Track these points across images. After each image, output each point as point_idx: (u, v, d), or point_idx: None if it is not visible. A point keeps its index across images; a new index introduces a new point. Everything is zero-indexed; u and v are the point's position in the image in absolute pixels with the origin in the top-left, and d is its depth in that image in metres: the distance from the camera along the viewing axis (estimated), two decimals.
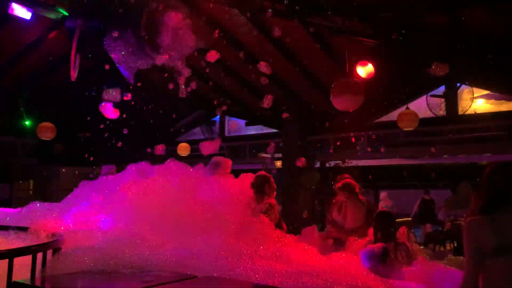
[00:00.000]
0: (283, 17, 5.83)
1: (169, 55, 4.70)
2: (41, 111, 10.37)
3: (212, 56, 5.36)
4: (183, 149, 10.66)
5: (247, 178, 4.45)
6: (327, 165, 10.71)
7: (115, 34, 4.33)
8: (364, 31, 6.01)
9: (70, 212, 3.73)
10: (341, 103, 4.72)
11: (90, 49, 4.90)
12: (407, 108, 6.96)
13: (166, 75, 5.53)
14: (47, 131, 8.34)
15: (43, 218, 3.59)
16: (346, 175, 5.12)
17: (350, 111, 5.01)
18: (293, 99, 9.08)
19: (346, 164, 10.36)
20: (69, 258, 2.71)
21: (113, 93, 5.81)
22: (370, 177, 11.01)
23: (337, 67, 7.27)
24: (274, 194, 4.82)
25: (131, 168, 4.44)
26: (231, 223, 3.26)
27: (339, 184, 5.09)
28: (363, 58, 6.40)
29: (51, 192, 12.02)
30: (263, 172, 4.90)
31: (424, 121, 8.82)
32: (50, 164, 12.10)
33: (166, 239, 3.12)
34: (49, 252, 2.60)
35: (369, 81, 7.57)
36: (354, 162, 10.42)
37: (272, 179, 4.68)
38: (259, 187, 4.65)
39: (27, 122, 10.63)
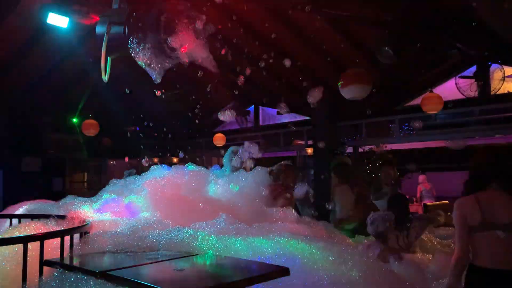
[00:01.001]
0: (298, 8, 6.00)
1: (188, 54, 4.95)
2: (87, 108, 11.17)
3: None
4: (219, 139, 11.10)
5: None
6: (360, 150, 10.78)
7: (137, 37, 4.69)
8: (381, 17, 6.08)
9: (101, 204, 4.23)
10: (350, 92, 4.88)
11: (117, 53, 5.23)
12: (431, 91, 6.95)
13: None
14: (90, 128, 9.02)
15: (78, 208, 4.11)
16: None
17: (359, 99, 5.16)
18: (321, 86, 9.21)
19: (380, 149, 10.39)
20: (96, 241, 3.15)
21: None
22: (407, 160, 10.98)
23: (361, 53, 7.39)
24: (292, 182, 5.07)
25: (153, 168, 4.84)
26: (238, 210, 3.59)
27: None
28: (384, 43, 6.49)
29: (102, 183, 12.90)
30: (285, 162, 5.16)
31: (455, 103, 8.75)
32: (98, 158, 12.96)
33: (182, 224, 3.52)
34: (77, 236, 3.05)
35: (396, 65, 7.63)
36: (388, 147, 10.44)
37: (290, 168, 4.90)
38: (276, 175, 4.95)
39: (75, 120, 11.46)
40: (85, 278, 2.34)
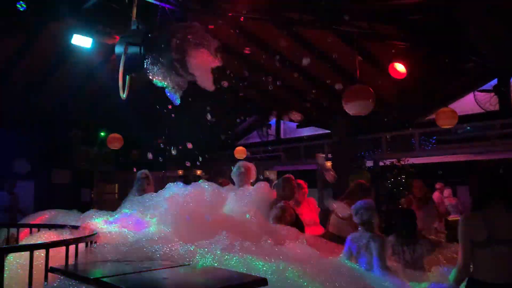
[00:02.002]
0: (311, 27, 6.17)
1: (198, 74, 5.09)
2: (113, 122, 11.62)
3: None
4: (240, 152, 11.27)
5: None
6: (381, 163, 10.73)
7: (152, 57, 4.93)
8: (393, 33, 6.17)
9: (117, 218, 4.46)
10: (353, 108, 4.97)
11: (135, 72, 5.45)
12: (445, 105, 6.94)
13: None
14: (115, 141, 9.40)
15: (92, 221, 4.36)
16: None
17: (362, 115, 5.24)
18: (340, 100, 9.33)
19: (401, 163, 10.32)
20: (102, 250, 3.36)
21: None
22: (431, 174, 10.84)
23: (374, 67, 7.46)
24: (295, 195, 5.13)
25: (170, 186, 5.00)
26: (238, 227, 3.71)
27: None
28: (397, 59, 6.56)
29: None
30: (288, 175, 5.21)
31: (477, 116, 8.65)
32: (126, 170, 13.39)
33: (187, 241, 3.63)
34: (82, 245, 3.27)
35: (414, 79, 7.65)
36: (410, 160, 10.36)
37: (293, 181, 4.98)
38: (278, 188, 5.00)
39: (102, 133, 11.93)
40: (85, 284, 2.54)
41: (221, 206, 4.46)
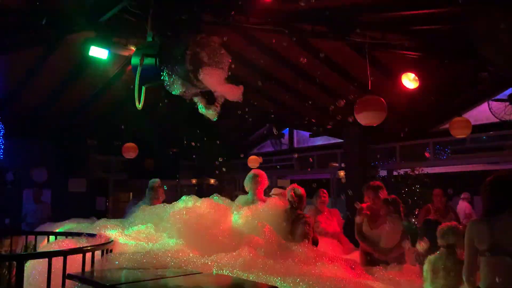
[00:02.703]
0: (322, 38, 6.23)
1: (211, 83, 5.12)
2: (128, 131, 11.78)
3: None
4: (253, 161, 11.33)
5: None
6: (395, 173, 10.67)
7: (168, 68, 5.02)
8: (405, 44, 6.17)
9: (130, 227, 4.54)
10: (365, 118, 5.00)
11: (150, 83, 5.54)
12: (459, 115, 6.91)
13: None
14: (130, 151, 9.53)
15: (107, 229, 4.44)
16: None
17: (374, 125, 5.26)
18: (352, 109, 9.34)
19: (415, 172, 10.25)
20: (117, 259, 3.43)
21: None
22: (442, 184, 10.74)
23: (386, 76, 7.47)
24: (303, 206, 5.11)
25: (183, 199, 5.05)
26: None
27: (384, 197, 4.90)
28: (410, 68, 6.57)
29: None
30: (294, 185, 5.17)
31: (492, 126, 8.58)
32: (139, 178, 13.53)
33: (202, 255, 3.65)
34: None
35: (428, 89, 7.63)
36: (425, 170, 10.27)
37: (302, 192, 4.95)
38: (291, 200, 4.99)
39: (117, 142, 12.09)
40: None
41: (228, 219, 4.47)
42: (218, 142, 12.08)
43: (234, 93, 4.77)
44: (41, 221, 7.51)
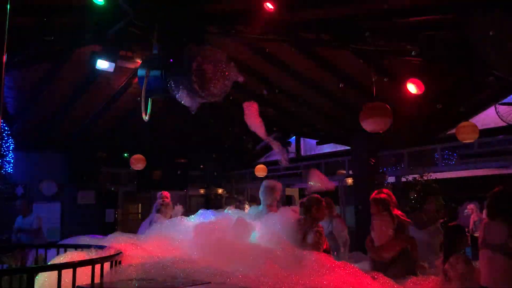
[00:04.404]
0: (327, 46, 6.25)
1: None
2: (137, 143, 11.86)
3: None
4: (260, 170, 11.33)
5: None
6: (404, 179, 10.62)
7: (174, 80, 5.06)
8: (409, 50, 6.17)
9: (141, 240, 4.55)
10: (370, 125, 4.99)
11: (156, 95, 5.58)
12: (466, 119, 6.88)
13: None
14: (138, 162, 9.58)
15: (119, 242, 4.45)
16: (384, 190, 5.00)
17: (380, 132, 5.25)
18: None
19: (424, 178, 10.19)
20: (127, 270, 3.45)
21: None
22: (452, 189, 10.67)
23: (392, 83, 7.46)
24: (322, 217, 5.01)
25: (200, 212, 5.04)
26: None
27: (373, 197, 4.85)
28: (416, 74, 6.57)
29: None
30: (316, 195, 5.07)
31: (500, 130, 8.53)
32: (147, 190, 13.59)
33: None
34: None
35: (434, 94, 7.62)
36: (433, 176, 10.21)
37: (322, 202, 4.84)
38: (307, 208, 4.91)
39: (126, 154, 12.17)
40: None
41: (248, 235, 4.43)
42: (226, 153, 12.13)
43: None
44: (33, 234, 7.33)
